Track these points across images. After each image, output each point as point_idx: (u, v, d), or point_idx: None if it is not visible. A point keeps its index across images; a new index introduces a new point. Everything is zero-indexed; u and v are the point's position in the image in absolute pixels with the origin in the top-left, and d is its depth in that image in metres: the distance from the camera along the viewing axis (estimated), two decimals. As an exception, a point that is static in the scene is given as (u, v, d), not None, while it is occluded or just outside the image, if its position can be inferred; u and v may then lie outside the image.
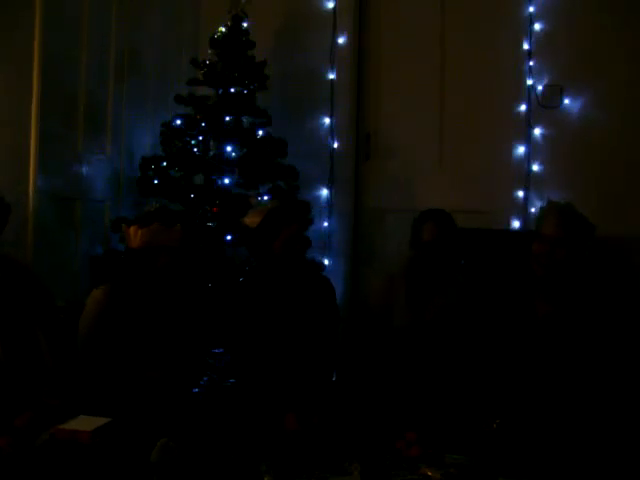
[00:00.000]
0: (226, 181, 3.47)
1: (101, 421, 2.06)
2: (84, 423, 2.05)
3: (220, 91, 3.51)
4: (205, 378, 3.18)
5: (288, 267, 2.67)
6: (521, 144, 3.74)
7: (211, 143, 3.53)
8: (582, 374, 2.44)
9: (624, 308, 2.87)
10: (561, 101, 3.68)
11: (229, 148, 3.47)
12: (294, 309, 2.65)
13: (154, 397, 2.44)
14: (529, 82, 3.72)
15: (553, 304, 2.54)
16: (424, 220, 2.86)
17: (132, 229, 2.54)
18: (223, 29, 3.53)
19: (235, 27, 3.53)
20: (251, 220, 2.65)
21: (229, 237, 3.39)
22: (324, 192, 3.97)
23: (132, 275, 2.56)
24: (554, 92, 3.69)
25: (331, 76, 3.98)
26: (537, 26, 3.71)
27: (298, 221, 2.71)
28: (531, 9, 3.72)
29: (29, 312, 2.28)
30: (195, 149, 3.50)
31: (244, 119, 3.57)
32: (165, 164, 3.45)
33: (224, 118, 3.47)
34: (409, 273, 2.87)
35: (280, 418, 2.41)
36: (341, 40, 3.98)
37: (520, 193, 3.73)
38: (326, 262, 3.81)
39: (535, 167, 3.72)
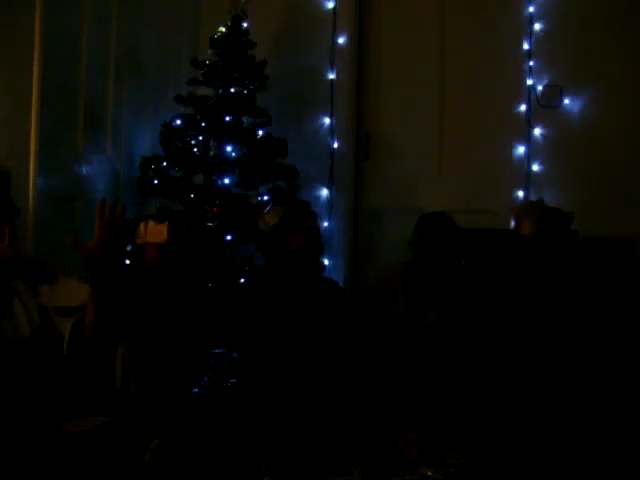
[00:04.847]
0: (226, 181, 3.46)
1: (99, 420, 2.06)
2: (81, 423, 2.05)
3: (220, 91, 3.51)
4: (205, 378, 3.18)
5: (308, 263, 2.67)
6: (521, 144, 3.74)
7: (211, 143, 3.53)
8: (582, 371, 2.45)
9: (620, 303, 2.89)
10: (561, 101, 3.68)
11: (229, 148, 3.47)
12: (307, 310, 2.64)
13: (151, 397, 2.45)
14: (529, 82, 3.72)
15: (552, 299, 2.57)
16: (427, 224, 2.84)
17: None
18: (223, 29, 3.53)
19: (235, 27, 3.53)
20: (269, 221, 2.66)
21: (229, 237, 3.39)
22: (324, 192, 3.97)
23: (130, 272, 2.61)
24: (554, 92, 3.69)
25: (331, 76, 3.98)
26: (537, 26, 3.72)
27: (315, 216, 2.74)
28: (531, 9, 3.72)
29: None
30: (195, 149, 3.50)
31: (244, 119, 3.57)
32: (165, 164, 3.45)
33: (224, 118, 3.47)
34: (409, 274, 2.87)
35: (285, 419, 2.39)
36: (341, 40, 3.98)
37: (520, 193, 3.74)
38: (326, 262, 3.81)
39: (535, 167, 3.72)
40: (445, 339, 2.74)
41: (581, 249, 3.26)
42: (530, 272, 2.67)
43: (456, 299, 2.80)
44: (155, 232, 2.58)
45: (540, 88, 3.71)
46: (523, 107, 3.74)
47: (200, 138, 3.51)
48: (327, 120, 3.99)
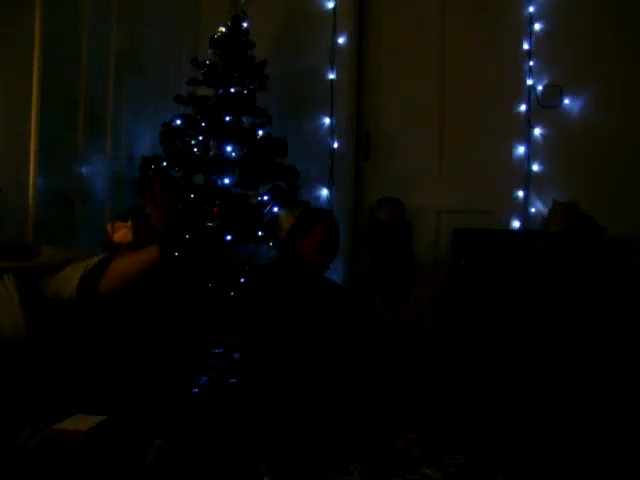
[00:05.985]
0: (226, 181, 3.46)
1: (96, 420, 2.05)
2: (79, 422, 2.03)
3: (220, 91, 3.51)
4: (205, 378, 3.18)
5: (326, 258, 2.74)
6: (521, 144, 3.75)
7: (211, 143, 3.52)
8: (590, 372, 2.44)
9: (629, 307, 2.89)
10: (561, 101, 3.69)
11: (229, 148, 3.46)
12: (316, 311, 2.64)
13: (150, 396, 2.45)
14: (529, 82, 3.72)
15: (563, 302, 2.56)
16: (381, 204, 3.20)
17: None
18: (223, 29, 3.52)
19: (235, 27, 3.53)
20: (286, 221, 2.80)
21: (229, 237, 3.39)
22: (324, 192, 3.97)
23: None
24: (554, 92, 3.70)
25: (331, 76, 3.98)
26: (537, 26, 3.72)
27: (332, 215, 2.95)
28: (531, 9, 3.73)
29: None
30: (195, 149, 3.49)
31: (244, 119, 3.57)
32: (165, 164, 3.45)
33: (224, 118, 3.47)
34: (375, 266, 2.96)
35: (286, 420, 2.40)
36: (341, 40, 3.98)
37: (520, 193, 3.74)
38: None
39: (535, 167, 3.73)
40: (430, 336, 2.79)
41: (608, 258, 3.24)
42: (550, 271, 2.63)
43: (442, 295, 2.85)
44: (121, 233, 2.63)
45: (540, 88, 3.72)
46: (523, 107, 3.74)
47: (200, 138, 3.51)
48: (327, 120, 3.99)
